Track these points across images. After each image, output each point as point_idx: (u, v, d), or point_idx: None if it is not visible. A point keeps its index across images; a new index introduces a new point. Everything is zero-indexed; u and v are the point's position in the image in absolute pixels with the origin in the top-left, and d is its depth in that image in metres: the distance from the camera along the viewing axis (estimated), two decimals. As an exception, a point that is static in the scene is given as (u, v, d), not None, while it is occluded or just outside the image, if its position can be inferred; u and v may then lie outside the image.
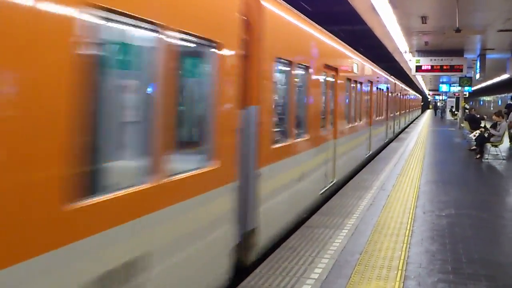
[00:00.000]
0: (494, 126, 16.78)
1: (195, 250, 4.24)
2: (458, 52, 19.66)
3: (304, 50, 7.94)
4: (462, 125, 26.98)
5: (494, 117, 16.89)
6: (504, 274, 5.41)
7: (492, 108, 56.07)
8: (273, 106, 6.50)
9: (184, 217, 4.04)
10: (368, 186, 10.41)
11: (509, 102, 28.71)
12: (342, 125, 10.88)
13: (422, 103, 76.45)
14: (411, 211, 8.14)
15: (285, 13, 7.00)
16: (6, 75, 2.35)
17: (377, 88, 17.35)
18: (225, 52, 4.75)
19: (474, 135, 16.80)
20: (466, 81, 27.79)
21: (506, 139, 17.36)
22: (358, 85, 13.25)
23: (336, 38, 10.81)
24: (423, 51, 19.82)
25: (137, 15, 3.32)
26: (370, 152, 15.93)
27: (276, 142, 6.52)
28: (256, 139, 5.73)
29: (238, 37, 5.15)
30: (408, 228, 7.07)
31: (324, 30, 9.58)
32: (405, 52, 20.55)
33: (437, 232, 6.99)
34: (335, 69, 10.09)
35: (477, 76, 22.05)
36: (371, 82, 15.94)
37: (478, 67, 21.33)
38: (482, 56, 20.60)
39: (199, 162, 4.45)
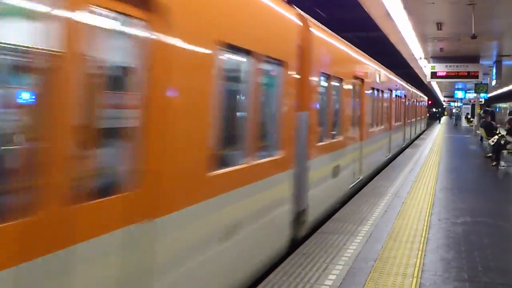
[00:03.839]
0: (509, 132, 16.62)
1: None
2: (474, 58, 19.52)
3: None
4: (477, 132, 26.77)
5: None
6: (521, 283, 5.34)
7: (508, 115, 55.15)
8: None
9: None
10: (383, 192, 10.36)
11: (485, 108, 29.76)
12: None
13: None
14: (426, 218, 8.08)
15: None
16: None
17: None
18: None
19: (493, 141, 16.63)
20: (482, 87, 27.61)
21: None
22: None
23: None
24: (438, 58, 19.71)
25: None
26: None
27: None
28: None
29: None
30: (423, 235, 7.02)
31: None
32: (420, 58, 20.47)
33: (453, 239, 6.93)
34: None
35: (493, 82, 21.88)
36: None
37: (494, 73, 21.17)
38: (498, 63, 20.44)
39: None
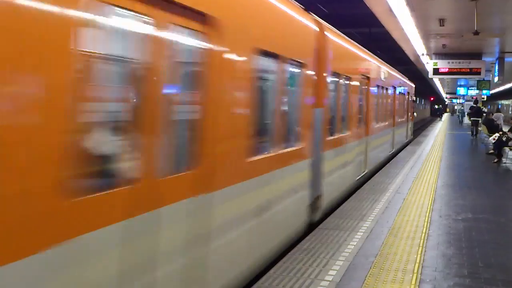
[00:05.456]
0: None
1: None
2: (476, 55, 19.50)
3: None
4: (479, 128, 26.74)
5: None
6: (521, 279, 5.34)
7: (510, 112, 55.11)
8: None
9: None
10: (384, 189, 10.35)
11: (472, 105, 31.06)
12: None
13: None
14: (427, 215, 8.08)
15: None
16: None
17: None
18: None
19: (494, 139, 16.61)
20: (484, 84, 27.53)
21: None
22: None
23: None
24: (440, 54, 19.69)
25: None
26: None
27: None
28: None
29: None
30: (424, 232, 7.02)
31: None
32: (423, 54, 20.44)
33: (454, 236, 6.93)
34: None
35: (496, 79, 21.85)
36: None
37: (496, 70, 21.14)
38: (500, 59, 20.40)
39: None
